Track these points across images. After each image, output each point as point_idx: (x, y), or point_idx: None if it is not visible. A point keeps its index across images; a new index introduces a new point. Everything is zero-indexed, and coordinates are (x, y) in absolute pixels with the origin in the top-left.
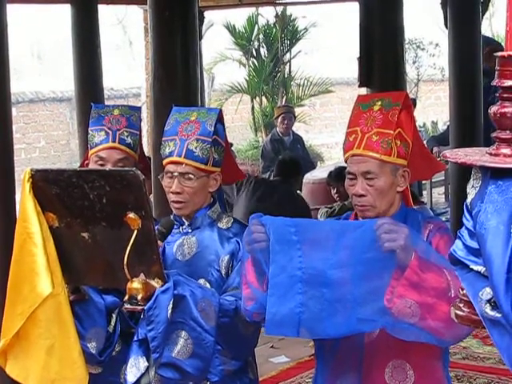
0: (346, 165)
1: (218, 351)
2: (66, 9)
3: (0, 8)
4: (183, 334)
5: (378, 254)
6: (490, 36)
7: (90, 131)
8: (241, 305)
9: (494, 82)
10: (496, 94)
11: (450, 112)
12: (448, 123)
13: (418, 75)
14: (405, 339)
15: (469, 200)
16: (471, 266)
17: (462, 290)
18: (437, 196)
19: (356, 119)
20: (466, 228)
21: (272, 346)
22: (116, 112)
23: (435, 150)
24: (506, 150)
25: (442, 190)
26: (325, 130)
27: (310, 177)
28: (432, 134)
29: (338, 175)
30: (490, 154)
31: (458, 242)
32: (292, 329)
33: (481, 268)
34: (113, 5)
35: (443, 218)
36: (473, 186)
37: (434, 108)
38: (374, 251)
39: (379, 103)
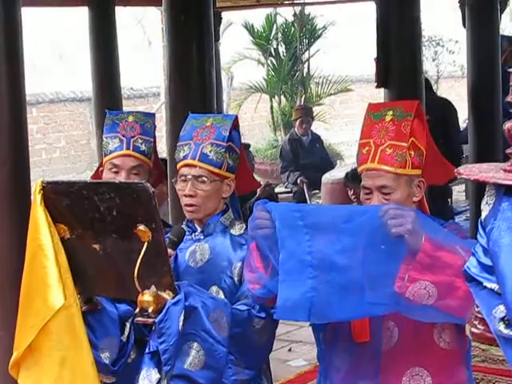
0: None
1: (230, 361)
2: (85, 10)
3: (14, 10)
4: (195, 345)
5: (386, 239)
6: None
7: (104, 138)
8: (254, 313)
9: (508, 98)
10: (510, 110)
11: (469, 110)
12: (467, 121)
13: (438, 72)
14: (422, 320)
15: (483, 216)
16: (485, 284)
17: (477, 307)
18: (457, 194)
19: (368, 130)
20: (480, 245)
21: (290, 349)
22: (130, 119)
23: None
24: None
25: (462, 187)
26: (345, 128)
27: (328, 176)
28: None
29: (355, 176)
30: (505, 171)
31: (472, 259)
32: (303, 313)
33: (494, 286)
34: (129, 6)
35: (463, 217)
36: (487, 203)
37: (454, 104)
38: (382, 236)
39: (391, 113)
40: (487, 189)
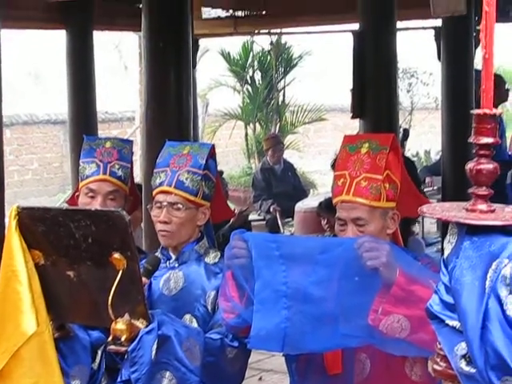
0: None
1: None
2: (63, 32)
3: None
4: (167, 374)
5: (361, 272)
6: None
7: (81, 163)
8: (227, 342)
9: (471, 139)
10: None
11: (442, 142)
12: (441, 153)
13: (412, 104)
14: (395, 353)
15: (445, 255)
16: (447, 321)
17: (439, 344)
18: (429, 225)
19: (344, 162)
20: (443, 283)
21: (260, 378)
22: (108, 144)
23: (428, 179)
24: (482, 207)
25: (433, 219)
26: (318, 157)
27: (301, 205)
28: (425, 163)
29: (329, 206)
30: (467, 210)
31: (434, 297)
32: (277, 344)
33: (456, 323)
34: (108, 31)
35: (435, 248)
36: (449, 242)
37: (427, 136)
38: (357, 268)
39: (366, 145)
40: (449, 227)
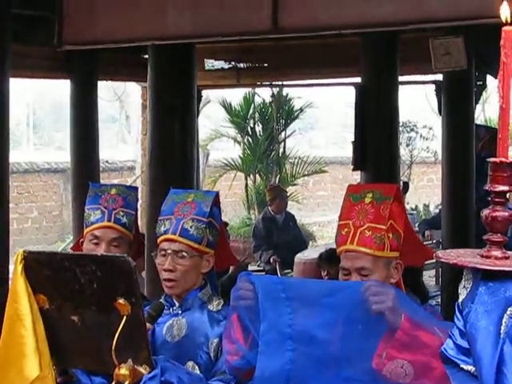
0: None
1: None
2: (62, 82)
3: (2, 81)
4: None
5: (366, 315)
6: (483, 121)
7: (86, 210)
8: None
9: (487, 187)
10: (488, 197)
11: (443, 196)
12: (440, 207)
13: (412, 157)
14: None
15: (460, 300)
16: (461, 366)
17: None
18: (427, 279)
19: (348, 212)
20: (457, 327)
21: None
22: (113, 191)
23: (427, 233)
24: (496, 253)
25: (432, 272)
26: (317, 209)
27: (301, 256)
28: (424, 216)
29: (329, 257)
30: (482, 256)
31: (448, 341)
32: None
33: (471, 368)
34: (112, 81)
35: (434, 302)
36: (464, 287)
37: (426, 190)
38: (363, 312)
39: (370, 195)
40: (464, 273)
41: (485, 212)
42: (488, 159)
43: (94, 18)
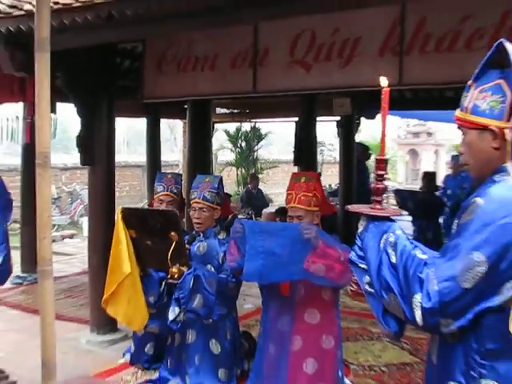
0: (285, 206)
1: (216, 304)
2: (142, 119)
3: (111, 120)
4: (198, 296)
5: (301, 240)
6: (361, 141)
7: (155, 185)
8: (229, 279)
9: (373, 171)
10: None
11: (340, 180)
12: (338, 185)
13: (322, 159)
14: (317, 283)
15: (359, 231)
16: (360, 265)
17: (354, 276)
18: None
19: (292, 186)
20: (357, 245)
21: (244, 299)
22: (169, 176)
23: (331, 199)
24: (378, 206)
25: None
26: (274, 186)
27: (266, 211)
28: (329, 190)
29: (280, 211)
30: (371, 208)
31: (352, 252)
32: (256, 277)
33: (364, 266)
34: (168, 119)
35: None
36: (361, 224)
37: (330, 177)
38: (299, 238)
39: (304, 178)
40: (361, 217)
41: (372, 184)
42: (375, 156)
43: (158, 84)
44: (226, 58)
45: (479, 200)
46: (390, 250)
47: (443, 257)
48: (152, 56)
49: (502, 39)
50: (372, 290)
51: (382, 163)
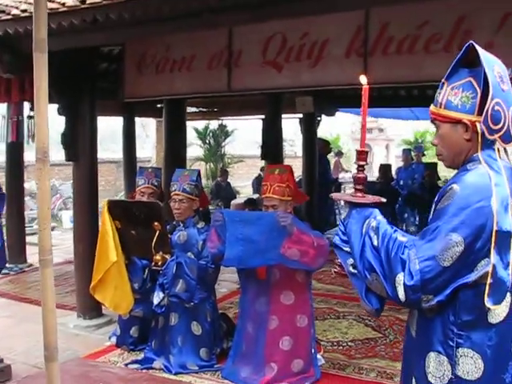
0: (252, 196)
1: (197, 288)
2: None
3: (93, 119)
4: (181, 281)
5: (277, 227)
6: (322, 136)
7: (137, 179)
8: (209, 265)
9: (355, 162)
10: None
11: (303, 171)
12: (300, 177)
13: (284, 154)
14: (292, 267)
15: (342, 217)
16: (344, 248)
17: (337, 259)
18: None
19: (267, 177)
20: (340, 230)
21: (218, 284)
22: (150, 170)
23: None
24: (359, 194)
25: None
26: (240, 179)
27: (234, 202)
28: None
29: (249, 202)
30: (352, 196)
31: (336, 236)
32: (236, 262)
33: (348, 249)
34: (141, 117)
35: None
36: (344, 211)
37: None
38: (276, 226)
39: (278, 170)
40: (344, 203)
41: (353, 174)
42: (356, 148)
43: (138, 85)
44: (202, 59)
45: (455, 186)
46: (372, 234)
47: (423, 239)
48: (132, 58)
49: (471, 41)
50: (355, 271)
51: (363, 154)
